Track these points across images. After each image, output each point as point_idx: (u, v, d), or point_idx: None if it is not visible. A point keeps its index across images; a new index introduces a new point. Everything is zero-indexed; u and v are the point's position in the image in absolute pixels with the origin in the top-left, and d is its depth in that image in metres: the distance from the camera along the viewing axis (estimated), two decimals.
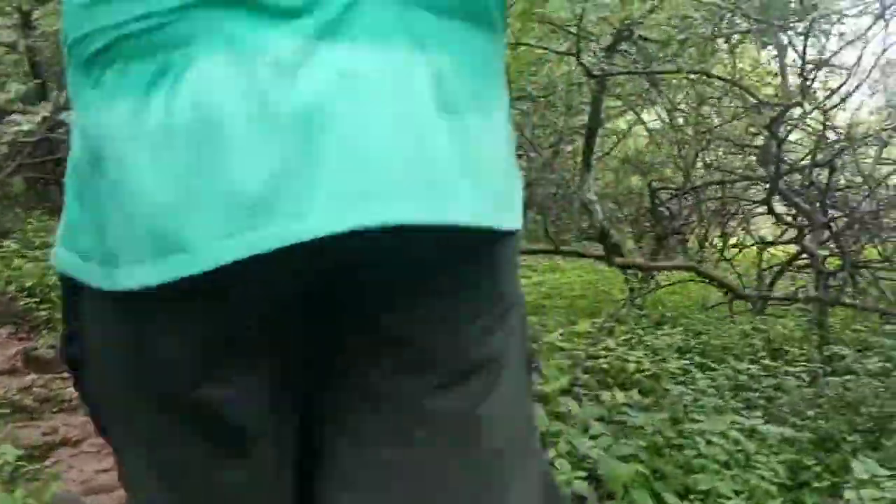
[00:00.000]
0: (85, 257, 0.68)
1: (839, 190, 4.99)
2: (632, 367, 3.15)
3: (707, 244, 7.04)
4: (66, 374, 4.29)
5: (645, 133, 6.98)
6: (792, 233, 5.07)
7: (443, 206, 0.62)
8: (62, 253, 0.72)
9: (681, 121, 5.22)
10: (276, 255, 0.58)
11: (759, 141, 4.89)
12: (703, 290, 5.23)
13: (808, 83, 3.75)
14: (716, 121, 5.50)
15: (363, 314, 0.71)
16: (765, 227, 6.87)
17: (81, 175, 0.69)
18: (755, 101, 3.93)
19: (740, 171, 5.44)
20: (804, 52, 3.73)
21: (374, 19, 0.63)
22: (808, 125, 4.17)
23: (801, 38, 3.65)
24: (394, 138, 0.61)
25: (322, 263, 0.66)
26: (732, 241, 6.43)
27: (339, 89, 0.60)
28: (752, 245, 5.59)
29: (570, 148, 6.85)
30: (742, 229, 6.32)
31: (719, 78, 4.20)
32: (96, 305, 0.71)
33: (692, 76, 3.92)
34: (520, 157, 6.14)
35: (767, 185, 5.16)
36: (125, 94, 0.63)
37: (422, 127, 0.62)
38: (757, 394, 3.04)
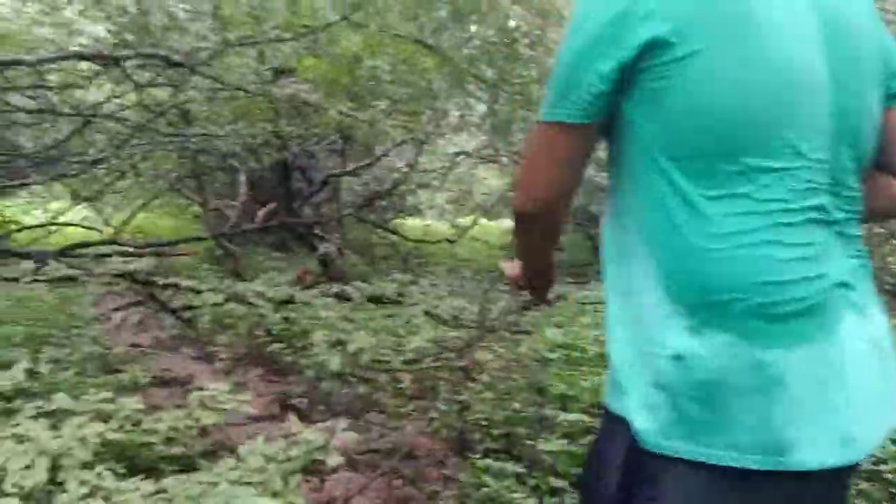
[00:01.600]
0: (734, 447, 0.99)
1: None
2: None
3: None
4: (320, 427, 4.70)
5: None
6: None
7: None
8: (679, 444, 1.02)
9: None
10: None
11: None
12: None
13: None
14: None
15: None
16: None
17: (731, 389, 0.99)
18: None
19: None
20: None
21: (868, 295, 1.10)
22: None
23: None
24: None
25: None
26: None
27: (871, 352, 1.06)
28: None
29: None
30: None
31: None
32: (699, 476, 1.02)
33: None
34: None
35: None
36: (803, 341, 0.99)
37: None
38: None
